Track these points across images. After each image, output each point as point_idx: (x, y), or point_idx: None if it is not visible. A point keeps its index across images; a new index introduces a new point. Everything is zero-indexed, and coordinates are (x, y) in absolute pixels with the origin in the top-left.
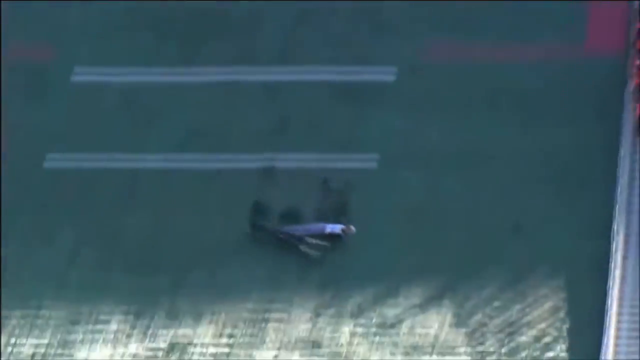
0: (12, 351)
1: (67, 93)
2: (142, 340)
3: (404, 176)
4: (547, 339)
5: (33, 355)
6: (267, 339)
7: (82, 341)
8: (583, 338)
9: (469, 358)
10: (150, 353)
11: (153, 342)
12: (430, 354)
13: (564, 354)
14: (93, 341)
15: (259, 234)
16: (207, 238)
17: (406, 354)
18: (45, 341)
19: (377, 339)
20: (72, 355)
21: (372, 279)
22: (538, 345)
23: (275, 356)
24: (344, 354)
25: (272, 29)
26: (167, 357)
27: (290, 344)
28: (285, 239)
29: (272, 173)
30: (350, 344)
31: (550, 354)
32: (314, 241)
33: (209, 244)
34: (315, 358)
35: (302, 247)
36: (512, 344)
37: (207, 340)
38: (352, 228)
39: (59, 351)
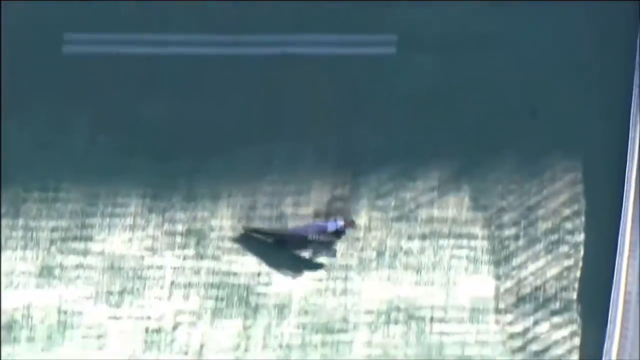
0: (30, 235)
1: None
2: (160, 225)
3: (421, 60)
4: (565, 224)
5: (51, 239)
6: (285, 223)
7: (100, 225)
8: (601, 221)
9: (487, 242)
10: (168, 237)
11: (171, 226)
12: (448, 238)
13: (581, 237)
14: (111, 225)
15: (256, 237)
16: (225, 123)
17: (423, 238)
18: (63, 224)
19: (394, 223)
20: (90, 239)
21: (389, 163)
22: (556, 229)
23: None
24: (361, 239)
25: None
26: (185, 240)
27: None
28: (287, 241)
29: (286, 59)
30: (367, 228)
31: (569, 237)
32: (319, 239)
33: (226, 129)
34: None
35: (309, 247)
36: (531, 229)
37: (225, 224)
38: (356, 222)
39: (77, 234)
